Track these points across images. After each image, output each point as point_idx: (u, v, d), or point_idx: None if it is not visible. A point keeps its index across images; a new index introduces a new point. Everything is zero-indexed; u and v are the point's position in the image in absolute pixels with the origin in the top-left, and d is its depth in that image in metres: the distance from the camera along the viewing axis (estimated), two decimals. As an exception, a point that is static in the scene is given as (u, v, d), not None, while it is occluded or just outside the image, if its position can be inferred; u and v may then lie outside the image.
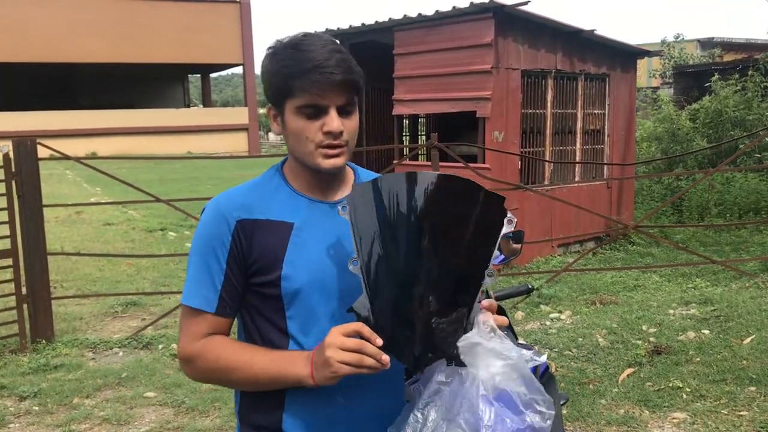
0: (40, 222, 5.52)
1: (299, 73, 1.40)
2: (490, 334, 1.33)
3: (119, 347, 5.53)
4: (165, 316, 6.08)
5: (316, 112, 1.43)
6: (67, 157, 6.03)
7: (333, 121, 1.43)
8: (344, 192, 1.53)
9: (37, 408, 4.37)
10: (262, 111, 30.70)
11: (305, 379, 1.38)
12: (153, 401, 4.44)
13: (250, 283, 1.50)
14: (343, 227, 1.43)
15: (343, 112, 1.45)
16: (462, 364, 1.33)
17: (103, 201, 12.42)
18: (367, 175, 1.65)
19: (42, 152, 5.51)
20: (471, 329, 1.35)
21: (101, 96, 31.07)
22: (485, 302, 1.42)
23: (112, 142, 25.75)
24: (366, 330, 1.34)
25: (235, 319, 1.57)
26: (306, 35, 1.47)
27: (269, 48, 1.49)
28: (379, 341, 1.32)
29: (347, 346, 1.32)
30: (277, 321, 1.49)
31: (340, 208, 1.39)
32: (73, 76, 30.97)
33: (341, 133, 1.45)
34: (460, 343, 1.33)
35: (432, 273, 1.38)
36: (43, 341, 5.48)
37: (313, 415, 1.48)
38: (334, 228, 1.48)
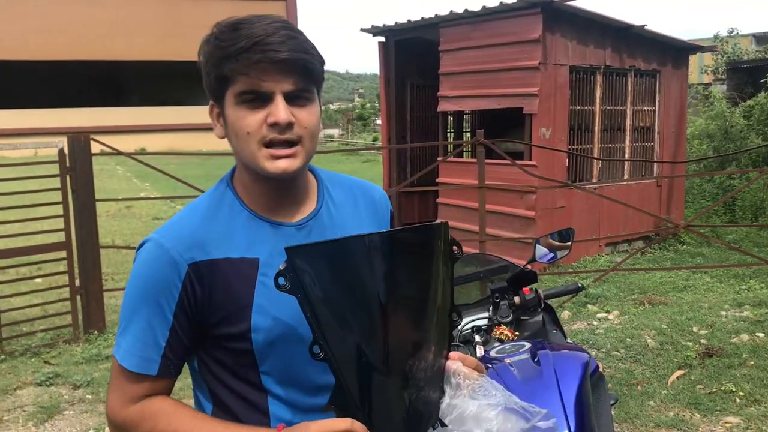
0: (93, 216, 5.66)
1: (236, 52, 1.13)
2: (461, 390, 1.19)
3: (168, 339, 5.63)
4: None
5: (258, 100, 1.15)
6: (118, 153, 6.17)
7: (279, 110, 1.15)
8: (309, 207, 1.28)
9: (90, 396, 4.49)
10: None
11: None
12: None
13: (212, 335, 1.22)
14: None
15: (294, 100, 1.17)
16: (444, 425, 1.18)
17: (152, 196, 12.69)
18: (331, 179, 1.37)
19: (94, 148, 5.65)
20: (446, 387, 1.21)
21: (151, 93, 31.66)
22: (452, 354, 1.24)
23: (161, 138, 26.19)
24: (358, 426, 1.08)
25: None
26: (253, 16, 1.20)
27: (206, 34, 1.22)
28: None
29: None
30: (249, 377, 1.24)
31: (277, 280, 1.07)
32: (123, 74, 31.63)
33: (290, 125, 1.16)
34: (441, 408, 1.18)
35: (405, 339, 1.18)
36: (95, 332, 5.62)
37: None
38: None
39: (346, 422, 1.07)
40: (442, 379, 1.21)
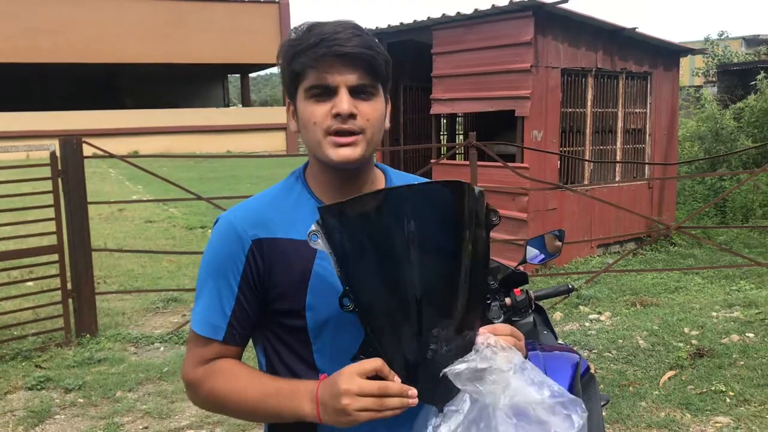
0: (85, 219, 5.65)
1: (306, 48, 1.23)
2: (491, 353, 1.20)
3: (160, 342, 5.63)
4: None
5: (324, 94, 1.24)
6: (110, 155, 6.16)
7: (342, 101, 1.22)
8: None
9: (81, 400, 4.47)
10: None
11: (309, 419, 1.20)
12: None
13: (270, 310, 1.33)
14: None
15: (358, 93, 1.25)
16: (457, 389, 1.20)
17: (145, 199, 12.66)
18: (401, 178, 1.44)
19: (86, 151, 5.64)
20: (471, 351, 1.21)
21: (144, 96, 31.63)
22: (487, 327, 1.25)
23: (154, 141, 26.17)
24: (386, 368, 1.16)
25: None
26: (330, 21, 1.29)
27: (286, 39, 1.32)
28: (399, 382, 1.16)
29: (366, 390, 1.13)
30: (302, 353, 1.33)
31: (309, 237, 1.16)
32: (117, 77, 31.60)
33: (353, 116, 1.24)
34: (458, 368, 1.18)
35: (434, 297, 1.20)
36: (87, 335, 5.60)
37: None
38: None
39: (377, 362, 1.16)
40: (473, 343, 1.22)
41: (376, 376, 1.16)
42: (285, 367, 1.34)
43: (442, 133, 11.28)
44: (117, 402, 4.44)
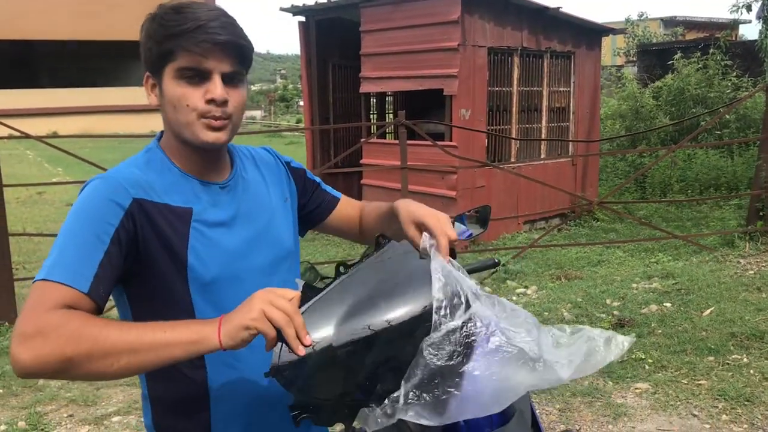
0: (1, 203, 5.41)
1: (181, 32, 1.26)
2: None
3: (85, 328, 5.46)
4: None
5: (198, 77, 1.29)
6: (27, 136, 5.90)
7: (216, 87, 1.29)
8: (226, 173, 1.43)
9: (1, 390, 4.31)
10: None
11: (208, 337, 1.12)
12: (120, 382, 4.41)
13: (148, 270, 1.30)
14: (240, 210, 1.39)
15: (228, 80, 1.31)
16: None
17: (65, 181, 12.20)
18: (239, 149, 1.53)
19: (1, 131, 5.39)
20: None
21: (62, 74, 30.35)
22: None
23: (74, 121, 25.17)
24: (297, 303, 1.16)
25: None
26: (192, 2, 1.33)
27: (149, 14, 1.34)
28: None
29: (281, 306, 1.13)
30: (182, 316, 1.27)
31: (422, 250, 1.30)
32: (32, 54, 30.16)
33: (225, 102, 1.30)
34: (435, 336, 1.20)
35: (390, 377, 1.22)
36: (6, 323, 5.39)
37: (244, 409, 1.38)
38: (232, 213, 1.39)
39: (297, 294, 1.17)
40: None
41: None
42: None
43: (371, 112, 11.27)
44: (39, 391, 4.30)
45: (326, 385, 1.22)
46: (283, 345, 1.15)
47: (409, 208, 1.39)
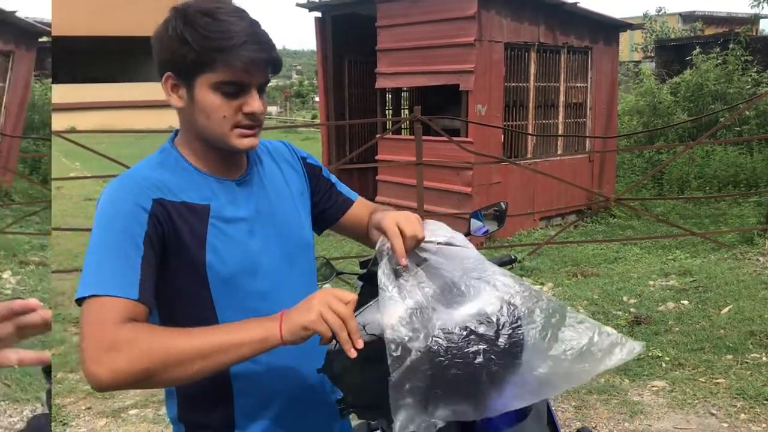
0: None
1: (227, 47, 1.26)
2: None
3: (103, 322, 5.51)
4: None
5: (236, 91, 1.30)
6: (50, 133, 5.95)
7: (255, 101, 1.32)
8: (242, 168, 1.45)
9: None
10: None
11: (274, 335, 1.18)
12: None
13: (171, 269, 1.32)
14: (257, 205, 1.40)
15: (261, 90, 1.35)
16: None
17: (83, 176, 12.30)
18: (260, 147, 1.54)
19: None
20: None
21: (81, 70, 30.57)
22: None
23: (92, 117, 25.35)
24: (353, 307, 1.21)
25: None
26: (217, 1, 1.32)
27: (175, 11, 1.32)
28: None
29: (338, 309, 1.18)
30: (204, 312, 1.34)
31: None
32: (52, 50, 30.42)
33: (261, 113, 1.36)
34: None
35: None
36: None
37: (266, 402, 1.40)
38: (250, 208, 1.40)
39: (354, 297, 1.22)
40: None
41: None
42: (186, 319, 1.31)
43: (387, 107, 11.26)
44: (59, 383, 4.34)
45: (373, 384, 1.26)
46: (337, 344, 1.21)
47: (377, 216, 1.44)
